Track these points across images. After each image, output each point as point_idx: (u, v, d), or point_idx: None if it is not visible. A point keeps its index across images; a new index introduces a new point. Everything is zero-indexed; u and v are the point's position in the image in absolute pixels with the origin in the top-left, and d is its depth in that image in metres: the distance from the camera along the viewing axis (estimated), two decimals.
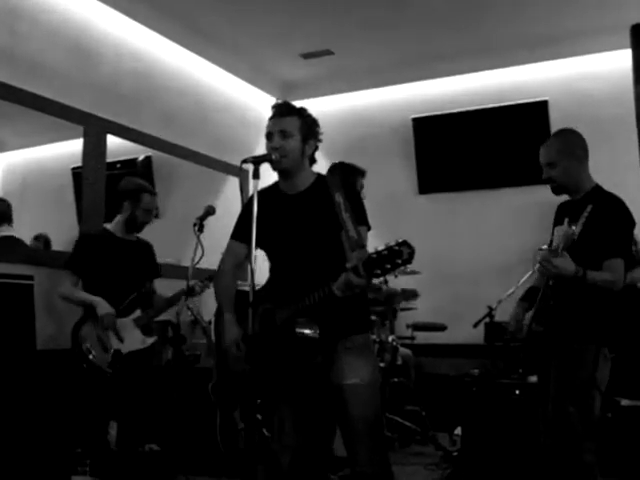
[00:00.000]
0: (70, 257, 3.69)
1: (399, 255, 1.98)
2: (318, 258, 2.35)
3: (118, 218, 3.79)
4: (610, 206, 2.66)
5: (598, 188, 2.77)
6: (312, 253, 2.39)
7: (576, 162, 2.75)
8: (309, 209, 2.45)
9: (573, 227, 2.55)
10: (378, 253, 2.00)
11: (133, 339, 3.62)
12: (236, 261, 2.63)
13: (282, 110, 2.49)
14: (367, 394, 2.38)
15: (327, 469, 3.36)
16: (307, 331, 2.33)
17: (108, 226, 3.82)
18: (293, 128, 2.45)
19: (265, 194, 2.44)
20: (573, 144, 2.78)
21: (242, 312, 2.41)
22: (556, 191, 2.85)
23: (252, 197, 2.33)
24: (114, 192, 3.87)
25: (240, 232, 2.57)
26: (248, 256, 2.37)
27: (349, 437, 2.41)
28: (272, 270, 2.61)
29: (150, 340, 3.69)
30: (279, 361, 2.41)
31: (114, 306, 3.57)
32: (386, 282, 4.55)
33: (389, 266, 1.99)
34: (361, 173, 3.88)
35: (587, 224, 2.58)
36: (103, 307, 3.53)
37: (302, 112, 2.51)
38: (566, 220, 2.58)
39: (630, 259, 2.69)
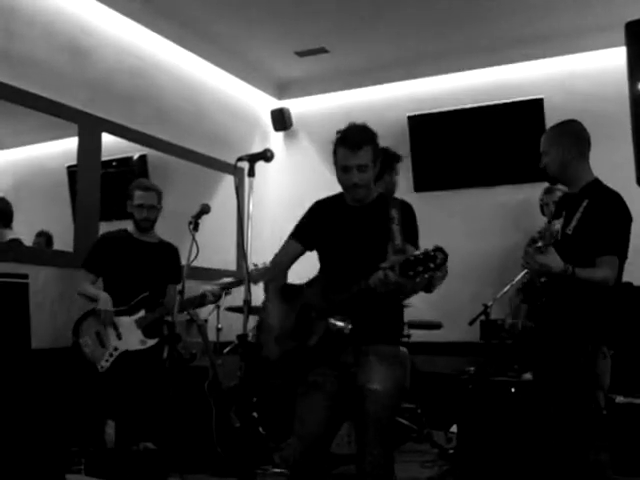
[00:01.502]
0: (87, 257, 3.84)
1: (433, 260, 2.13)
2: (366, 263, 2.39)
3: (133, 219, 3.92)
4: (606, 201, 2.61)
5: (596, 182, 2.71)
6: (362, 258, 2.45)
7: (565, 153, 2.70)
8: (368, 220, 2.53)
9: (557, 224, 2.55)
10: (415, 256, 2.15)
11: (132, 339, 3.63)
12: (292, 261, 2.70)
13: (358, 142, 2.45)
14: (386, 401, 2.43)
15: (328, 466, 3.37)
16: (339, 323, 2.40)
17: (129, 228, 3.94)
18: (368, 159, 2.46)
19: (330, 203, 2.62)
20: (564, 135, 2.74)
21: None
22: (551, 180, 2.87)
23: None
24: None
25: (301, 233, 2.66)
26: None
27: (361, 437, 2.45)
28: (322, 271, 2.67)
29: (150, 342, 3.69)
30: (312, 352, 2.48)
31: (124, 304, 3.63)
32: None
33: (421, 269, 2.14)
34: (397, 158, 3.82)
35: (582, 219, 2.57)
36: (103, 302, 3.61)
37: (374, 139, 2.51)
38: (546, 219, 2.57)
39: (625, 255, 2.62)
